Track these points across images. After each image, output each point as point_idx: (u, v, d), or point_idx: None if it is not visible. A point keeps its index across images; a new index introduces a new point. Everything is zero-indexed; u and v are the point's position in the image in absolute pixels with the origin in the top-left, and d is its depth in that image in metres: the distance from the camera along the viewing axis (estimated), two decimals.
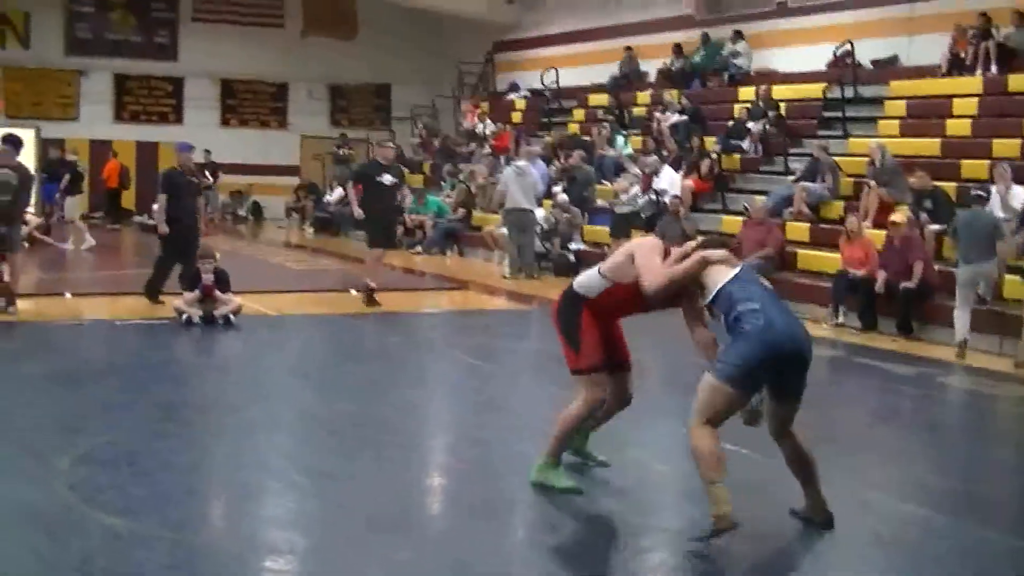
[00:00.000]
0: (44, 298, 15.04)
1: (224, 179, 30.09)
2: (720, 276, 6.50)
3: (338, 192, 28.71)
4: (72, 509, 6.36)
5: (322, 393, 10.20)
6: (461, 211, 23.83)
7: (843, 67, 20.61)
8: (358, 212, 15.53)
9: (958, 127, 18.02)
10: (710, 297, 6.50)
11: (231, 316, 13.26)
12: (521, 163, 19.83)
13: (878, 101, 19.90)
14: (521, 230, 19.27)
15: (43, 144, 29.10)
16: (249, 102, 32.86)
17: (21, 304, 13.73)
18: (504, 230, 20.30)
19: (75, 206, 22.84)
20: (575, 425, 7.08)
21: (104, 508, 6.36)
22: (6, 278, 13.92)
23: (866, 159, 17.52)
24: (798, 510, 6.55)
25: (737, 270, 6.54)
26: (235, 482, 7.30)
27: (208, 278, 13.28)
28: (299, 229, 28.82)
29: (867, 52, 20.82)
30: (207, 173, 28.36)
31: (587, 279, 7.07)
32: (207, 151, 28.48)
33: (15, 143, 14.00)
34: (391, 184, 15.39)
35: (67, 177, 24.61)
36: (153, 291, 14.45)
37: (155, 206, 15.72)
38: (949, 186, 16.14)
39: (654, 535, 6.56)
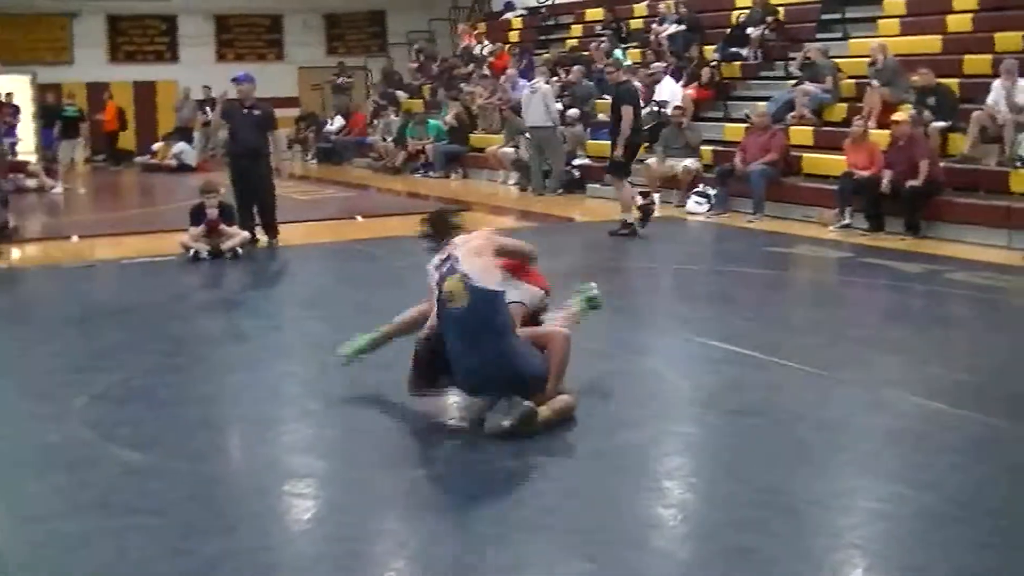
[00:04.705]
0: (51, 242, 15.05)
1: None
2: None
3: (339, 121, 28.66)
4: (90, 446, 6.39)
5: (332, 321, 10.15)
6: (452, 122, 23.79)
7: None
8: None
9: (959, 23, 17.84)
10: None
11: (238, 249, 13.27)
12: (536, 82, 19.82)
13: (877, 0, 19.70)
14: (540, 148, 19.48)
15: (40, 90, 29.02)
16: (244, 36, 32.64)
17: (30, 249, 13.73)
18: (509, 149, 20.49)
19: (71, 150, 22.68)
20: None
21: (121, 443, 6.40)
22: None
23: (867, 60, 17.38)
24: None
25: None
26: (250, 412, 7.33)
27: (213, 212, 13.26)
28: (301, 160, 28.72)
29: None
30: (206, 110, 28.28)
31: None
32: (206, 87, 28.34)
33: None
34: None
35: (58, 123, 24.54)
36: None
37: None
38: (952, 82, 16.01)
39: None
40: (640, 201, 14.71)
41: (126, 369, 8.29)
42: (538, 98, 19.24)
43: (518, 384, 6.41)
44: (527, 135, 20.07)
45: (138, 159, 28.21)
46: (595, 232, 14.93)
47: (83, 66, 30.33)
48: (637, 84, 15.97)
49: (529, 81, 21.15)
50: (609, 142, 15.10)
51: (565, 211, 16.18)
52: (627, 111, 14.56)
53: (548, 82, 19.57)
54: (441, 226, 6.95)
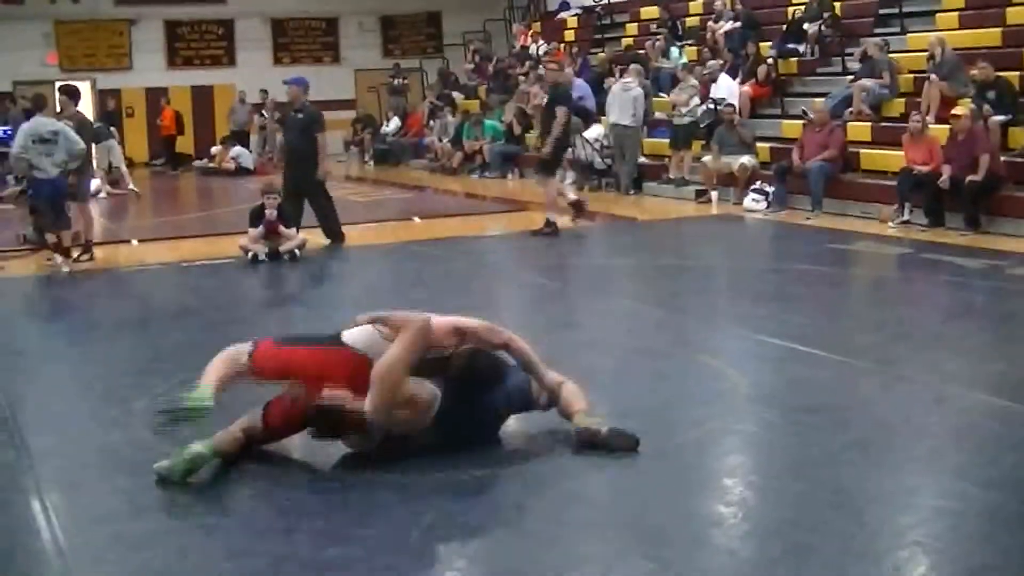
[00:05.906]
0: (111, 246, 15.19)
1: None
2: None
3: (395, 122, 28.76)
4: (152, 448, 6.42)
5: None
6: (517, 128, 23.85)
7: None
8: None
9: (1019, 15, 17.61)
10: None
11: (296, 251, 13.34)
12: (629, 80, 19.87)
13: None
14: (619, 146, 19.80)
15: (100, 95, 29.30)
16: (301, 39, 32.81)
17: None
18: None
19: (107, 154, 22.69)
20: None
21: (182, 445, 6.42)
22: (78, 228, 14.02)
23: (925, 54, 17.22)
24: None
25: None
26: None
27: (272, 214, 13.34)
28: (359, 162, 28.83)
29: None
30: (263, 113, 28.47)
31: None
32: (263, 91, 28.54)
33: (72, 94, 14.19)
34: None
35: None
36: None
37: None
38: (1012, 76, 15.83)
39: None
40: (571, 197, 14.97)
41: (187, 371, 8.26)
42: (628, 98, 19.25)
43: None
44: (584, 134, 20.06)
45: (196, 163, 28.45)
46: (655, 231, 14.90)
47: (142, 72, 30.65)
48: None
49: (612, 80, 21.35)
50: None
51: (626, 211, 16.12)
52: (561, 111, 14.92)
53: (642, 85, 19.75)
54: None
